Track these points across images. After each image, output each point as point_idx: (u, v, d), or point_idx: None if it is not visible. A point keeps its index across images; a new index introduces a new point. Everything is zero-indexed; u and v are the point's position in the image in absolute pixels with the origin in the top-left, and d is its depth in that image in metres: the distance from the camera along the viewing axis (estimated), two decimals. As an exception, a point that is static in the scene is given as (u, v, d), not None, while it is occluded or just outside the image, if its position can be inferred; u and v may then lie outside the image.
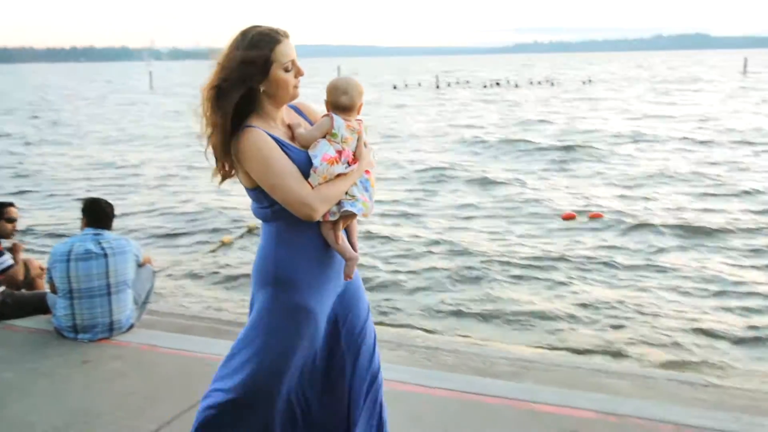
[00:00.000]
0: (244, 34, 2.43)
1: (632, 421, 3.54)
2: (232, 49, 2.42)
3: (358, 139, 2.53)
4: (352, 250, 2.58)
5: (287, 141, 2.47)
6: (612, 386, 4.50)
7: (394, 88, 56.33)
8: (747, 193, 12.32)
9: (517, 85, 56.84)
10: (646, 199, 12.12)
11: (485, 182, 14.07)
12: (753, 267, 8.07)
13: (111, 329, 4.81)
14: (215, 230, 10.50)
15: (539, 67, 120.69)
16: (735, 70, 74.03)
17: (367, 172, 2.57)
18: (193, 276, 8.22)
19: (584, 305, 6.93)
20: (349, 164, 2.48)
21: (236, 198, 12.80)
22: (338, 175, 2.44)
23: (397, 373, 4.11)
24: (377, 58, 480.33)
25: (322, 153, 2.43)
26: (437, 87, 56.76)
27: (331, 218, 2.48)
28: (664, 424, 3.51)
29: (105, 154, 20.17)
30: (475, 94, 47.50)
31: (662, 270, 8.02)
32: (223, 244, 9.73)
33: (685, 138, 20.08)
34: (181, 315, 6.13)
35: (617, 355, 5.77)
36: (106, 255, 4.78)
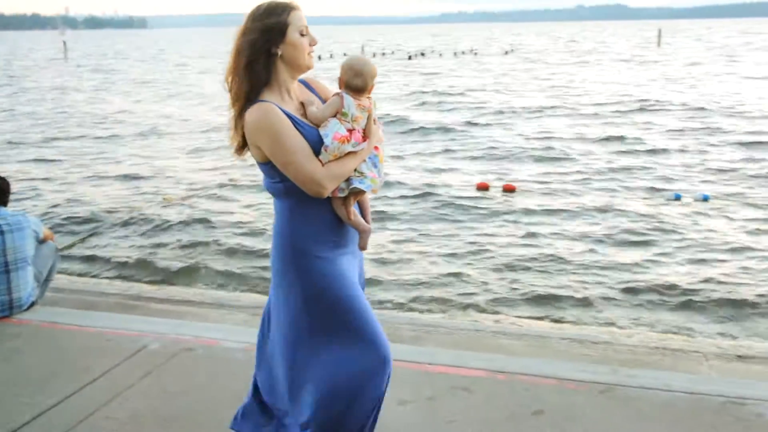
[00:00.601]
0: (258, 7, 2.53)
1: (519, 378, 3.76)
2: (250, 22, 2.50)
3: (368, 117, 2.59)
4: (365, 223, 2.66)
5: (299, 117, 2.52)
6: (508, 347, 4.74)
7: (319, 58, 55.63)
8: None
9: (441, 55, 57.30)
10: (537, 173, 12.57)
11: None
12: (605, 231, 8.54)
13: (11, 307, 4.73)
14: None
15: (464, 36, 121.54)
16: (650, 41, 76.29)
17: (376, 148, 2.64)
18: (101, 252, 8.08)
19: (486, 269, 7.20)
20: (358, 142, 2.54)
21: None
22: (348, 153, 2.51)
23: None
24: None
25: (333, 131, 2.49)
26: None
27: (340, 194, 2.55)
28: (547, 378, 3.75)
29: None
30: (401, 64, 47.60)
31: (560, 236, 8.41)
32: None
33: (595, 113, 20.71)
34: (86, 291, 6.05)
35: (518, 316, 6.05)
36: (2, 232, 4.67)
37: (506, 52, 59.75)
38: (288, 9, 2.51)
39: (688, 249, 7.82)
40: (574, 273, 7.10)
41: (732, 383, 3.84)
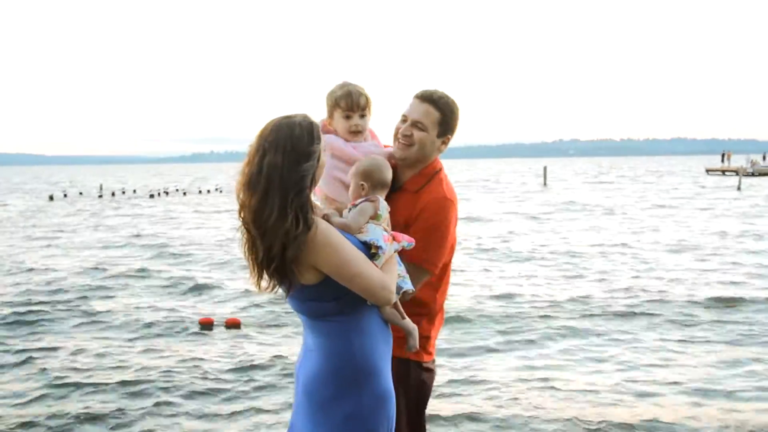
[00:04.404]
0: (299, 124, 2.28)
1: None
2: (301, 146, 2.24)
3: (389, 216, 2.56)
4: (412, 322, 2.55)
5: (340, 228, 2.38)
6: None
7: (51, 199, 50.88)
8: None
9: (185, 194, 56.04)
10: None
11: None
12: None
13: None
14: None
15: (214, 175, 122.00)
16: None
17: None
18: None
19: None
20: (409, 242, 2.53)
21: None
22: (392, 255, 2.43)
23: None
24: (41, 167, 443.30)
25: (380, 235, 2.40)
26: (100, 196, 53.20)
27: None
28: None
29: None
30: (141, 204, 45.76)
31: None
32: None
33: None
34: None
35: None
36: None
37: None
38: (318, 130, 2.33)
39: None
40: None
41: None
